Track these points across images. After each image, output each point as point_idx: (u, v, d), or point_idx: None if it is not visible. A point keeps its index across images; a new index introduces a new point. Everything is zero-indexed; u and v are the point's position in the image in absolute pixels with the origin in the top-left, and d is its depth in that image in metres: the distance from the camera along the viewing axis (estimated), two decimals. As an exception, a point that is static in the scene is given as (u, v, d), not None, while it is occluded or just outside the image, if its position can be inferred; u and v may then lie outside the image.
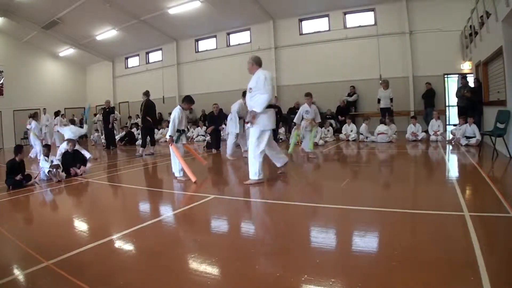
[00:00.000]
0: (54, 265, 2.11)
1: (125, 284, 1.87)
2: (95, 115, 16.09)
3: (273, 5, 12.13)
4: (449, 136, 8.24)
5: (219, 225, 3.03)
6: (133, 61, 17.45)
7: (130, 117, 16.04)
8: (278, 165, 4.78)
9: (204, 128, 11.94)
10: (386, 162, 6.26)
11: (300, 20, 12.76)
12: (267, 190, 4.11)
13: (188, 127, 13.13)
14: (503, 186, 3.86)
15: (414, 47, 10.87)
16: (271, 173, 5.00)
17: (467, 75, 9.56)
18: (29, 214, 3.87)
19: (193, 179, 4.68)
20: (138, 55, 17.06)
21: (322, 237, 2.48)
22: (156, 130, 11.08)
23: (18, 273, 2.10)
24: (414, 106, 10.84)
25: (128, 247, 2.49)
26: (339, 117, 11.09)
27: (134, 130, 12.99)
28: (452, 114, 10.65)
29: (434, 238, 2.30)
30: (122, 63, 17.75)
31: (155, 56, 16.66)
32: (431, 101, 10.23)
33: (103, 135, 11.64)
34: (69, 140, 6.28)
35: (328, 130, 9.85)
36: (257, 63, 4.34)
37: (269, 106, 4.33)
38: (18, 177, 4.94)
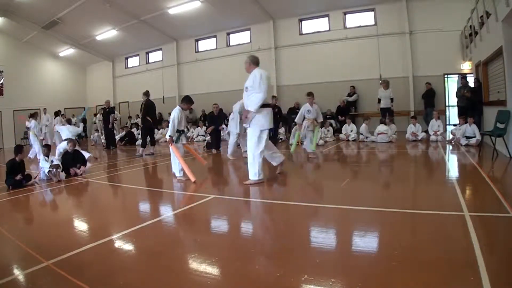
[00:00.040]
0: (54, 265, 2.11)
1: (125, 284, 1.87)
2: (95, 115, 16.11)
3: (273, 5, 12.13)
4: (449, 136, 8.24)
5: (219, 225, 3.03)
6: (133, 61, 17.45)
7: (130, 117, 16.04)
8: (274, 163, 4.78)
9: (204, 128, 11.94)
10: (386, 162, 6.26)
11: (300, 20, 12.76)
12: (267, 190, 4.11)
13: (188, 127, 13.13)
14: (503, 186, 3.86)
15: (414, 47, 10.87)
16: (271, 173, 5.00)
17: (467, 75, 9.56)
18: (29, 214, 3.87)
19: (193, 179, 4.68)
20: (138, 55, 17.06)
21: (322, 237, 2.49)
22: (156, 130, 11.08)
23: (18, 273, 2.10)
24: (414, 106, 10.84)
25: (128, 247, 2.49)
26: (339, 117, 11.09)
27: (134, 130, 12.99)
28: (452, 114, 10.65)
29: (434, 238, 2.30)
30: (122, 63, 17.75)
31: (155, 56, 16.66)
32: (431, 101, 10.23)
33: (103, 135, 11.63)
34: (69, 140, 6.28)
35: (328, 130, 9.84)
36: (254, 62, 4.33)
37: (267, 105, 4.31)
38: (18, 177, 4.94)
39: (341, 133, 10.01)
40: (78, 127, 7.47)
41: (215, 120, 8.48)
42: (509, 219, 2.57)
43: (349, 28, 11.91)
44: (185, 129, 5.77)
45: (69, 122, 8.15)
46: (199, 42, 15.19)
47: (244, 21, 13.32)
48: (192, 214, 3.37)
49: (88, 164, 6.22)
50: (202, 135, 12.09)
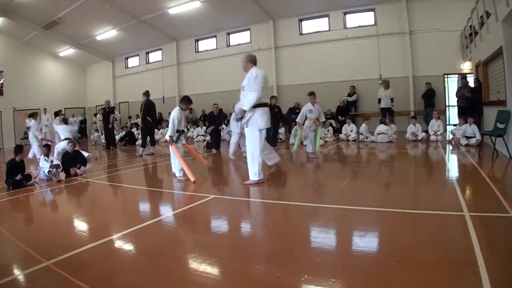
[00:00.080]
0: (54, 265, 2.11)
1: (125, 284, 1.87)
2: (95, 115, 16.11)
3: (273, 5, 12.13)
4: (449, 136, 8.25)
5: (219, 225, 3.03)
6: (133, 61, 17.46)
7: (130, 117, 16.04)
8: (269, 164, 4.75)
9: (204, 128, 11.94)
10: (386, 162, 6.26)
11: (300, 20, 12.76)
12: (267, 190, 4.11)
13: (188, 127, 13.13)
14: (503, 186, 3.86)
15: (414, 47, 10.87)
16: (271, 173, 4.99)
17: (467, 75, 9.56)
18: (29, 214, 3.87)
19: (192, 179, 4.68)
20: (138, 55, 17.07)
21: (322, 237, 2.48)
22: (156, 130, 11.08)
23: (18, 273, 2.10)
24: (414, 106, 10.84)
25: (128, 247, 2.49)
26: (339, 117, 11.09)
27: (134, 130, 12.99)
28: (452, 114, 10.65)
29: (434, 238, 2.30)
30: (122, 63, 17.75)
31: (155, 56, 16.66)
32: (431, 101, 10.23)
33: (103, 135, 11.64)
34: (69, 140, 6.29)
35: (328, 130, 9.84)
36: (251, 61, 4.31)
37: (264, 104, 4.28)
38: (18, 177, 4.94)
39: (341, 133, 10.01)
40: (74, 126, 7.48)
41: (215, 120, 8.48)
42: (509, 219, 2.57)
43: (349, 28, 11.91)
44: (185, 129, 5.78)
45: (65, 121, 8.16)
46: (199, 42, 15.19)
47: (244, 21, 13.32)
48: (192, 214, 3.37)
49: (88, 164, 6.22)
50: (202, 135, 12.09)
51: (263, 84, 4.16)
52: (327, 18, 12.26)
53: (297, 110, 11.74)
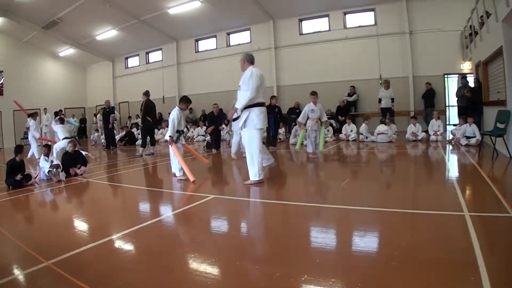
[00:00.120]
0: (54, 265, 2.11)
1: (125, 284, 1.87)
2: (95, 115, 16.11)
3: (273, 5, 12.13)
4: (449, 136, 8.25)
5: (219, 225, 3.03)
6: (133, 61, 17.46)
7: (130, 117, 16.04)
8: (263, 165, 4.64)
9: (204, 128, 11.94)
10: (386, 162, 6.26)
11: (300, 20, 12.76)
12: (267, 190, 4.11)
13: (188, 127, 13.13)
14: (503, 186, 3.86)
15: (414, 47, 10.87)
16: (271, 173, 5.00)
17: (467, 75, 9.56)
18: (29, 214, 3.87)
19: (192, 178, 4.69)
20: (138, 55, 17.07)
21: (322, 237, 2.48)
22: (156, 130, 11.09)
23: (18, 273, 2.10)
24: (414, 106, 10.84)
25: (128, 247, 2.49)
26: (339, 117, 11.09)
27: (134, 130, 12.99)
28: (452, 114, 10.65)
29: (434, 238, 2.30)
30: (122, 63, 17.75)
31: (155, 56, 16.66)
32: (431, 101, 10.24)
33: (103, 135, 11.64)
34: (70, 141, 6.30)
35: (328, 130, 9.84)
36: (249, 60, 4.31)
37: (260, 104, 4.26)
38: (18, 177, 4.94)
39: (341, 133, 10.01)
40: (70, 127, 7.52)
41: (215, 120, 8.48)
42: (509, 219, 2.57)
43: (349, 28, 11.91)
44: (185, 129, 5.79)
45: (62, 121, 8.17)
46: (199, 42, 15.19)
47: (244, 21, 13.32)
48: (192, 214, 3.37)
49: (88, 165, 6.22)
50: (202, 135, 12.08)
51: (258, 84, 4.13)
52: (327, 18, 12.27)
53: (297, 110, 11.77)
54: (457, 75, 10.27)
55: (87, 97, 19.01)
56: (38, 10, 12.62)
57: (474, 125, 7.26)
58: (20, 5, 12.19)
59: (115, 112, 11.29)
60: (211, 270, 2.03)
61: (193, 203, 3.69)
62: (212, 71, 14.33)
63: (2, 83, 14.98)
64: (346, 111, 11.11)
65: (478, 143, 6.75)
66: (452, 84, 10.72)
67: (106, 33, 14.65)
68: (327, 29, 12.28)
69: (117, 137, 12.05)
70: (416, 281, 1.73)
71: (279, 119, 8.71)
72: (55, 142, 7.19)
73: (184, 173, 4.88)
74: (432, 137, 8.28)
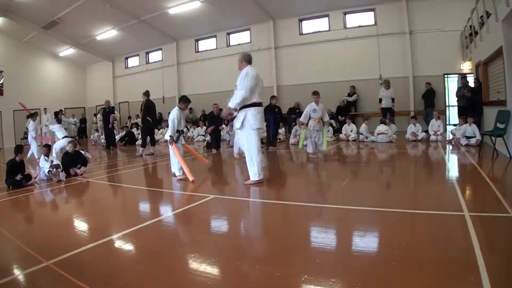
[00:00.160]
0: (54, 265, 2.11)
1: (125, 284, 1.87)
2: (95, 115, 16.11)
3: (273, 5, 12.13)
4: (449, 136, 8.25)
5: (219, 225, 3.03)
6: (133, 61, 17.46)
7: (130, 117, 16.05)
8: (253, 178, 4.56)
9: (204, 128, 11.94)
10: (386, 162, 6.26)
11: (300, 20, 12.77)
12: (267, 190, 4.11)
13: (188, 127, 13.13)
14: (503, 186, 3.86)
15: (414, 47, 10.87)
16: (271, 173, 5.00)
17: (467, 75, 9.56)
18: (29, 214, 3.87)
19: (191, 178, 4.69)
20: (138, 55, 17.07)
21: (322, 237, 2.48)
22: (156, 130, 11.09)
23: (18, 273, 2.10)
24: (414, 106, 10.84)
25: (128, 247, 2.49)
26: (339, 117, 11.09)
27: (134, 130, 12.99)
28: (452, 114, 10.65)
29: (434, 238, 2.30)
30: (122, 63, 17.76)
31: (155, 56, 16.66)
32: (431, 101, 10.24)
33: (103, 135, 11.64)
34: (70, 141, 6.31)
35: (328, 130, 9.82)
36: (246, 60, 4.30)
37: (257, 104, 4.25)
38: (18, 177, 4.94)
39: (341, 133, 10.01)
40: (66, 128, 7.55)
41: (215, 120, 8.48)
42: (509, 219, 2.57)
43: (349, 28, 11.91)
44: (185, 129, 5.80)
45: (59, 121, 8.18)
46: (199, 42, 15.19)
47: (244, 21, 13.32)
48: (192, 214, 3.37)
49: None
50: (202, 135, 12.08)
51: (253, 84, 4.11)
52: (327, 18, 12.27)
53: (297, 110, 11.77)
54: (457, 75, 10.27)
55: (87, 97, 19.01)
56: (38, 10, 12.62)
57: (474, 125, 7.26)
58: (20, 5, 12.19)
59: (115, 112, 11.29)
60: (211, 270, 2.03)
61: (193, 203, 3.69)
62: (212, 71, 14.33)
63: (2, 83, 14.98)
64: (346, 111, 11.11)
65: (478, 143, 6.75)
66: (452, 84, 10.72)
67: (106, 33, 14.65)
68: (327, 29, 12.28)
69: (117, 137, 12.05)
70: (416, 281, 1.73)
71: (279, 119, 8.71)
72: (55, 142, 7.21)
73: (183, 173, 4.89)
74: (432, 137, 8.28)
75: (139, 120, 12.06)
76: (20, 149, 5.28)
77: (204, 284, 1.83)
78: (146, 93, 8.40)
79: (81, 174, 5.73)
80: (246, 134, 4.26)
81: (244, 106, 4.22)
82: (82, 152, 6.32)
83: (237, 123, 4.32)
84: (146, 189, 4.73)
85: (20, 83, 15.38)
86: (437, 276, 1.76)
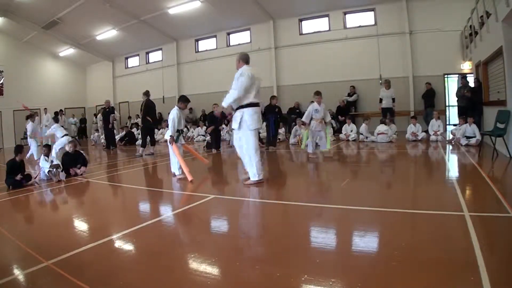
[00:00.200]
0: (54, 265, 2.11)
1: (125, 284, 1.87)
2: (95, 115, 16.11)
3: (273, 5, 12.13)
4: (449, 136, 8.24)
5: (219, 225, 3.03)
6: (133, 61, 17.46)
7: (130, 117, 16.04)
8: (252, 178, 4.46)
9: (204, 128, 11.94)
10: (386, 162, 6.26)
11: (300, 20, 12.76)
12: (267, 190, 4.11)
13: (188, 127, 13.13)
14: (503, 186, 3.86)
15: (414, 47, 10.87)
16: (271, 173, 4.99)
17: (467, 75, 9.56)
18: (29, 214, 3.87)
19: (190, 178, 4.70)
20: (138, 55, 17.07)
21: (322, 237, 2.48)
22: (156, 130, 11.08)
23: (18, 273, 2.10)
24: (414, 106, 10.84)
25: (128, 247, 2.49)
26: (339, 117, 11.08)
27: (134, 130, 12.99)
28: (452, 114, 10.65)
29: (434, 238, 2.30)
30: (122, 63, 17.75)
31: (155, 56, 16.66)
32: (431, 101, 10.24)
33: (103, 135, 11.64)
34: (70, 141, 6.31)
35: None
36: (244, 60, 4.30)
37: (253, 104, 4.24)
38: (18, 177, 4.94)
39: (341, 133, 10.01)
40: (66, 128, 7.59)
41: (215, 120, 8.47)
42: (509, 219, 2.57)
43: (349, 28, 11.91)
44: (185, 129, 5.81)
45: (56, 121, 8.19)
46: (199, 42, 15.19)
47: (244, 21, 13.32)
48: (192, 214, 3.37)
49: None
50: (202, 135, 12.08)
51: (248, 84, 4.10)
52: (327, 18, 12.26)
53: (297, 110, 11.77)
54: (457, 75, 10.27)
55: (87, 97, 19.01)
56: (38, 10, 12.62)
57: (474, 125, 7.26)
58: (20, 5, 12.19)
59: (115, 112, 11.29)
60: (211, 270, 2.03)
61: (193, 203, 3.69)
62: (212, 71, 14.32)
63: (2, 83, 14.98)
64: (346, 111, 11.11)
65: (478, 143, 6.75)
66: (452, 84, 10.72)
67: (106, 33, 14.64)
68: (327, 29, 12.28)
69: (117, 137, 12.05)
70: (416, 281, 1.73)
71: (279, 119, 8.71)
72: (54, 141, 7.22)
73: (183, 172, 4.89)
74: (432, 137, 8.27)
75: (139, 120, 12.06)
76: (20, 149, 5.28)
77: (204, 284, 1.83)
78: (146, 93, 8.40)
79: (81, 174, 5.73)
80: (244, 134, 4.26)
81: (240, 106, 4.22)
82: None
83: (234, 124, 4.32)
84: (146, 189, 4.73)
85: (20, 83, 15.38)
86: (437, 276, 1.76)
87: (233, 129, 4.43)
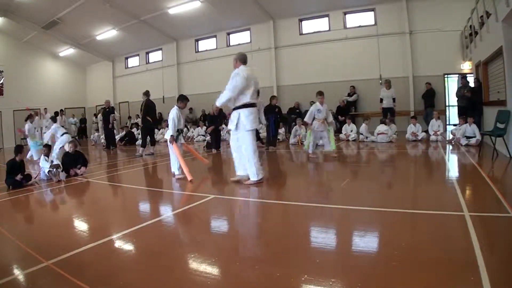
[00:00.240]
0: (54, 265, 2.11)
1: (125, 284, 1.87)
2: (95, 115, 16.11)
3: (273, 5, 12.13)
4: (449, 136, 8.24)
5: (219, 225, 3.03)
6: (133, 61, 17.46)
7: (130, 117, 16.05)
8: (239, 172, 4.48)
9: (204, 128, 11.94)
10: (386, 162, 6.26)
11: (300, 20, 12.77)
12: (267, 190, 4.11)
13: (188, 127, 13.13)
14: (503, 186, 3.86)
15: (414, 47, 10.87)
16: (271, 173, 4.99)
17: (467, 75, 9.56)
18: (29, 214, 3.87)
19: (189, 177, 4.70)
20: (138, 55, 17.07)
21: (322, 237, 2.48)
22: (156, 130, 11.08)
23: (18, 273, 2.10)
24: (414, 106, 10.84)
25: (128, 247, 2.49)
26: (339, 117, 11.08)
27: (134, 130, 12.99)
28: (452, 114, 10.65)
29: (434, 238, 2.30)
30: (122, 63, 17.75)
31: (155, 56, 16.66)
32: (431, 101, 10.24)
33: (103, 135, 11.64)
34: (70, 141, 6.31)
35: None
36: (241, 60, 4.30)
37: (250, 105, 4.23)
38: (18, 177, 4.94)
39: (341, 133, 10.01)
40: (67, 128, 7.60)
41: (215, 120, 8.47)
42: (509, 219, 2.57)
43: (349, 28, 11.91)
44: (185, 129, 5.81)
45: (54, 120, 8.18)
46: (199, 42, 15.19)
47: (244, 21, 13.32)
48: (192, 214, 3.37)
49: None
50: (202, 135, 12.08)
51: (242, 84, 4.10)
52: (327, 18, 12.27)
53: (297, 110, 11.77)
54: (457, 75, 10.27)
55: (87, 97, 19.01)
56: (38, 10, 12.62)
57: (474, 125, 7.26)
58: (20, 5, 12.19)
59: (115, 112, 11.29)
60: (211, 270, 2.03)
61: (193, 203, 3.69)
62: (212, 71, 14.30)
63: (2, 83, 14.98)
64: (346, 111, 11.11)
65: (478, 143, 6.75)
66: (452, 84, 10.72)
67: (106, 33, 14.65)
68: (327, 29, 12.28)
69: (117, 137, 12.05)
70: (416, 281, 1.73)
71: (279, 119, 8.71)
72: (54, 142, 7.22)
73: (182, 172, 4.89)
74: (432, 137, 8.27)
75: (139, 120, 12.06)
76: (20, 149, 5.28)
77: (204, 284, 1.83)
78: (146, 93, 8.40)
79: (81, 175, 5.73)
80: (241, 135, 4.26)
81: (236, 107, 4.22)
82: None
83: (231, 125, 4.32)
84: (146, 189, 4.73)
85: (20, 83, 15.38)
86: (437, 276, 1.76)
87: (230, 130, 4.42)
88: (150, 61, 16.81)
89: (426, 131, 8.76)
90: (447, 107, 10.72)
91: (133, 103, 16.17)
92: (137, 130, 12.51)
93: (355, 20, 11.92)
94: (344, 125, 10.01)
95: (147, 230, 2.81)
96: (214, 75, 14.15)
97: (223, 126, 9.86)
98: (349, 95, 11.55)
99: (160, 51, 16.29)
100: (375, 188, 4.11)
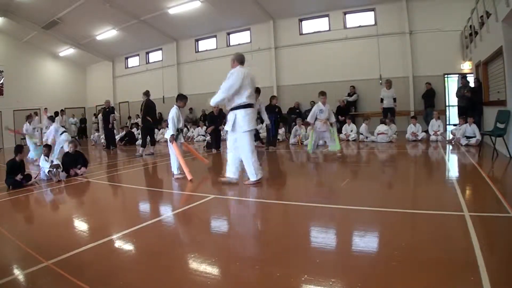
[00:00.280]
0: (54, 265, 2.11)
1: (125, 284, 1.87)
2: (95, 115, 16.11)
3: (273, 5, 12.13)
4: (449, 136, 8.24)
5: (219, 225, 3.03)
6: (133, 61, 17.46)
7: (130, 117, 16.05)
8: (229, 175, 4.39)
9: (204, 128, 11.94)
10: (386, 162, 6.26)
11: (300, 20, 12.77)
12: (267, 190, 4.11)
13: (188, 127, 13.13)
14: (503, 186, 3.86)
15: (414, 47, 10.87)
16: (271, 173, 4.99)
17: (467, 75, 9.56)
18: (29, 214, 3.87)
19: (189, 177, 4.70)
20: (138, 55, 17.06)
21: (322, 237, 2.48)
22: (156, 130, 11.08)
23: (18, 273, 2.10)
24: (414, 106, 10.84)
25: (128, 247, 2.49)
26: (339, 117, 11.06)
27: (134, 130, 12.99)
28: (452, 114, 10.65)
29: (434, 238, 2.30)
30: (122, 63, 17.75)
31: (155, 56, 16.66)
32: (431, 101, 10.24)
33: (103, 135, 11.64)
34: (71, 141, 6.32)
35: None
36: (238, 60, 4.27)
37: (247, 105, 4.21)
38: (18, 177, 4.94)
39: (341, 133, 9.99)
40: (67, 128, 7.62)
41: (215, 120, 8.47)
42: (509, 219, 2.57)
43: (349, 28, 11.91)
44: (184, 129, 5.82)
45: (52, 120, 8.18)
46: (199, 42, 15.19)
47: (244, 21, 13.32)
48: (192, 214, 3.37)
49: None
50: (202, 135, 12.08)
51: (237, 85, 4.08)
52: (327, 18, 12.27)
53: (297, 110, 11.77)
54: (457, 75, 10.27)
55: (87, 97, 19.01)
56: (38, 10, 12.62)
57: (474, 125, 7.26)
58: (20, 5, 12.19)
59: (115, 112, 11.29)
60: (211, 270, 2.03)
61: (193, 203, 3.69)
62: (212, 71, 14.27)
63: (2, 83, 14.98)
64: (346, 111, 11.10)
65: (478, 143, 6.75)
66: (452, 84, 10.72)
67: (106, 33, 14.65)
68: (327, 29, 12.28)
69: (117, 137, 12.05)
70: (416, 281, 1.73)
71: (279, 119, 8.71)
72: (55, 142, 7.21)
73: (181, 172, 4.89)
74: (432, 137, 8.27)
75: (139, 120, 12.06)
76: (20, 149, 5.28)
77: (204, 284, 1.83)
78: (146, 93, 8.40)
79: (81, 175, 5.73)
80: (239, 136, 4.25)
81: (233, 108, 4.21)
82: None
83: (227, 126, 4.30)
84: (146, 189, 4.73)
85: (20, 83, 15.38)
86: (437, 276, 1.76)
87: (227, 131, 4.41)
88: (150, 61, 16.81)
89: (426, 131, 8.76)
90: (447, 107, 10.72)
91: (133, 103, 16.17)
92: (137, 130, 12.50)
93: (355, 20, 11.92)
94: (344, 125, 10.00)
95: (147, 230, 2.81)
96: (214, 75, 14.09)
97: (223, 126, 9.85)
98: (349, 95, 11.54)
99: (160, 51, 16.29)
100: (375, 188, 4.11)
